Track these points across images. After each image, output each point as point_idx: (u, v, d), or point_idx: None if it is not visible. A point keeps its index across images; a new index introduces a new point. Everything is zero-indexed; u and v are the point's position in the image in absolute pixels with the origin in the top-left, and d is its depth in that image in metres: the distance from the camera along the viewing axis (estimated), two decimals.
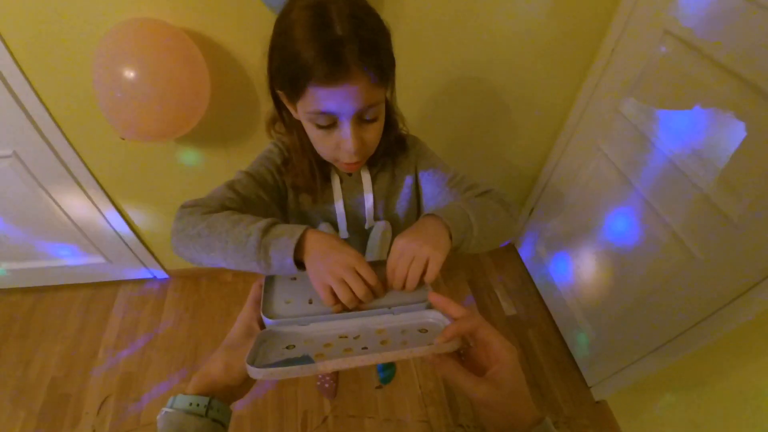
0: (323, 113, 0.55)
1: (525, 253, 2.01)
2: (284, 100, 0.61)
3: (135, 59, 0.95)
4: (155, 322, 1.80)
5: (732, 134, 0.96)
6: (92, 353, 1.70)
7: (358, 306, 0.55)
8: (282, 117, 0.67)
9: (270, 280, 0.58)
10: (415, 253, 0.55)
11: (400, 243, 0.56)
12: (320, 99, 0.53)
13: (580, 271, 1.58)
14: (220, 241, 0.57)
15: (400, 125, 0.74)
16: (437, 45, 1.22)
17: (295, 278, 0.59)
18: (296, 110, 0.60)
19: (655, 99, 1.16)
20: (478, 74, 1.33)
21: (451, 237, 0.58)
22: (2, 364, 1.66)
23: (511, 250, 2.08)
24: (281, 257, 0.53)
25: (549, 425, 0.44)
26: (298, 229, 0.55)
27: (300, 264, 0.55)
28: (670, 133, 1.11)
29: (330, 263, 0.52)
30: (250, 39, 1.12)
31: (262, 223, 0.56)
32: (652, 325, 1.24)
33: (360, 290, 0.52)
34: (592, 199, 1.46)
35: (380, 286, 0.55)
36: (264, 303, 0.54)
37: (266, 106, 1.26)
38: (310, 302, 0.55)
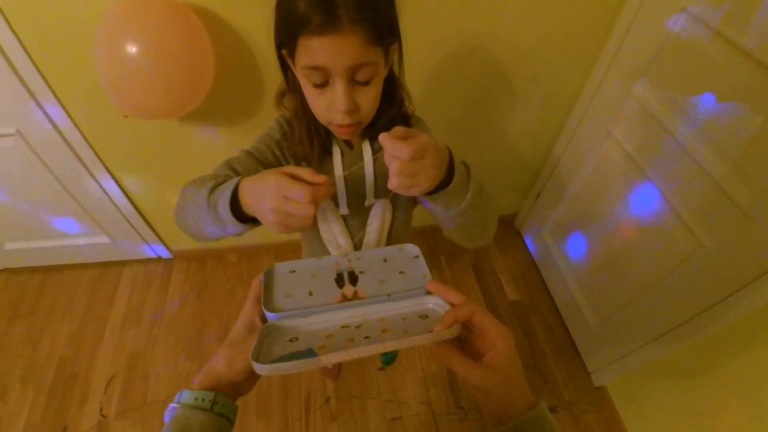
0: (315, 67, 0.55)
1: (530, 238, 2.00)
2: (288, 61, 0.61)
3: (137, 35, 0.93)
4: (161, 302, 1.83)
5: (748, 121, 0.93)
6: (99, 332, 1.72)
7: (353, 299, 0.55)
8: (287, 79, 0.67)
9: (269, 275, 0.58)
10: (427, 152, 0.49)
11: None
12: (312, 51, 0.53)
13: (585, 257, 1.57)
14: (189, 208, 0.59)
15: (407, 104, 0.73)
16: (441, 16, 1.18)
17: (294, 271, 0.59)
18: (296, 70, 0.60)
19: (670, 82, 1.13)
20: (484, 51, 1.30)
21: (449, 179, 0.54)
22: (11, 343, 1.70)
23: (516, 235, 2.08)
24: (227, 214, 0.54)
25: (544, 409, 0.45)
26: (234, 181, 0.55)
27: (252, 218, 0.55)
28: (683, 117, 1.08)
29: (265, 208, 0.50)
30: (255, 14, 1.09)
31: (213, 182, 0.57)
32: (656, 312, 1.23)
33: (305, 210, 0.48)
34: (600, 185, 1.44)
35: (317, 190, 0.48)
36: (264, 298, 0.54)
37: (270, 85, 1.25)
38: (311, 294, 0.56)
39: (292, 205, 0.48)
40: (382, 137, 0.48)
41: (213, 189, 0.57)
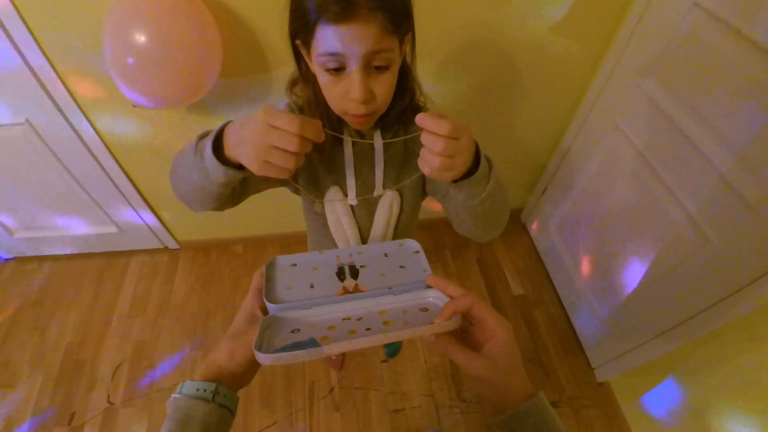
0: (331, 54, 0.55)
1: (535, 232, 2.00)
2: (302, 51, 0.61)
3: (146, 24, 0.94)
4: (167, 291, 1.84)
5: (757, 116, 0.92)
6: (106, 321, 1.75)
7: (354, 292, 0.55)
8: (300, 70, 0.67)
9: (271, 268, 0.58)
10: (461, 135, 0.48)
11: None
12: (328, 38, 0.53)
13: (591, 252, 1.57)
14: (180, 164, 0.59)
15: (418, 95, 0.73)
16: (451, 6, 1.18)
17: (295, 265, 0.60)
18: (312, 59, 0.60)
19: (680, 76, 1.11)
20: (492, 43, 1.29)
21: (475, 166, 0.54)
22: (20, 330, 1.72)
23: (522, 229, 2.07)
24: (208, 154, 0.52)
25: (542, 399, 0.45)
26: (222, 124, 0.53)
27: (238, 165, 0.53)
28: (692, 112, 1.07)
29: (247, 142, 0.48)
30: (263, 3, 1.09)
31: (204, 132, 0.56)
32: (661, 308, 1.23)
33: (289, 142, 0.46)
34: (607, 179, 1.43)
35: (306, 124, 0.47)
36: (266, 290, 0.55)
37: (277, 75, 1.25)
38: (312, 287, 0.56)
39: (277, 136, 0.46)
40: (420, 116, 0.48)
41: (202, 137, 0.56)
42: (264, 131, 0.46)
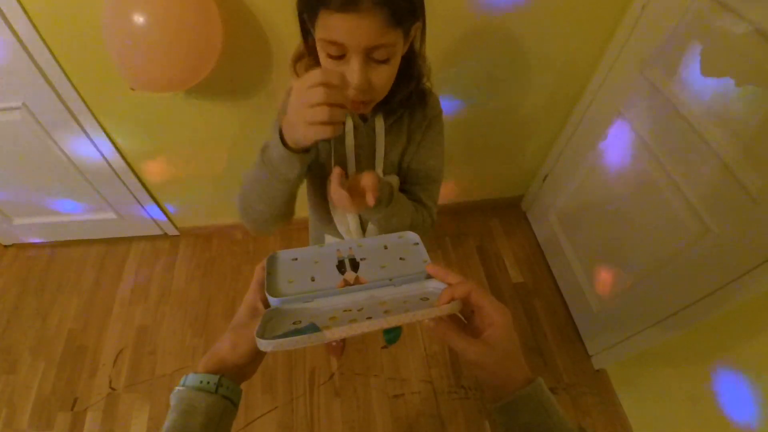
0: (332, 42, 0.55)
1: (535, 221, 2.00)
2: (309, 26, 0.61)
3: (145, 5, 0.92)
4: (168, 278, 1.85)
5: (763, 105, 0.91)
6: (108, 307, 1.76)
7: (354, 284, 0.56)
8: (307, 44, 0.67)
9: (272, 262, 0.58)
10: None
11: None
12: (330, 26, 0.54)
13: (590, 240, 1.57)
14: (250, 186, 0.66)
15: (425, 80, 0.73)
16: None
17: (296, 259, 0.60)
18: (316, 39, 0.60)
19: (685, 63, 1.10)
20: (495, 29, 1.28)
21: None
22: (21, 316, 1.73)
23: (522, 218, 2.07)
24: (278, 155, 0.59)
25: (541, 385, 0.45)
26: (276, 125, 0.60)
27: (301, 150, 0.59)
28: (697, 100, 1.06)
29: (292, 115, 0.54)
30: None
31: (263, 145, 0.63)
32: (659, 297, 1.24)
33: (316, 94, 0.50)
34: (608, 168, 1.43)
35: (326, 71, 0.51)
36: (268, 283, 0.55)
37: (278, 57, 1.24)
38: (313, 280, 0.56)
39: (305, 94, 0.50)
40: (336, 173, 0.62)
41: (263, 150, 0.62)
42: (296, 98, 0.51)
